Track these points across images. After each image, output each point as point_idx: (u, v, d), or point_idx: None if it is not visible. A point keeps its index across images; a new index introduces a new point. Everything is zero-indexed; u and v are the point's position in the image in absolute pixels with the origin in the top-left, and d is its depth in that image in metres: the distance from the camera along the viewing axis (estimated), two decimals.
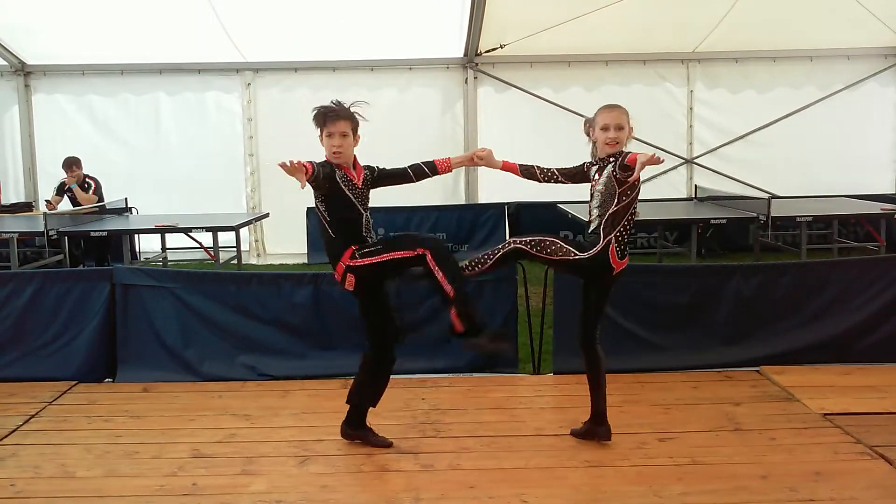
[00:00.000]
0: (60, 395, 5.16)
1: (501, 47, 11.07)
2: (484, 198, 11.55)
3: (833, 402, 4.80)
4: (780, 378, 5.21)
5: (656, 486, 3.73)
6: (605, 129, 4.14)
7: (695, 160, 11.56)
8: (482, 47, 11.10)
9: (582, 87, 11.42)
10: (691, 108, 11.58)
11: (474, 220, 11.15)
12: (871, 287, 5.61)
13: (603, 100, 12.41)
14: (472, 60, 11.24)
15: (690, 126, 11.60)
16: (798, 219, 8.71)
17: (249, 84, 11.36)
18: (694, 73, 11.55)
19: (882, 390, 4.99)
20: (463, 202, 11.59)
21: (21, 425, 4.65)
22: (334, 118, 4.05)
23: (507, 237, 11.03)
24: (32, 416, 4.79)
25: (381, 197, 11.58)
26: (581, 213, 9.04)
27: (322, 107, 4.10)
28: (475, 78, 11.37)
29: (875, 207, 9.20)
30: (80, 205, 9.55)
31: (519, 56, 11.20)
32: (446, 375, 5.52)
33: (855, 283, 5.63)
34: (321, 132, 4.11)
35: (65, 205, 9.72)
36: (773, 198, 9.25)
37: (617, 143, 4.13)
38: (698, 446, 4.08)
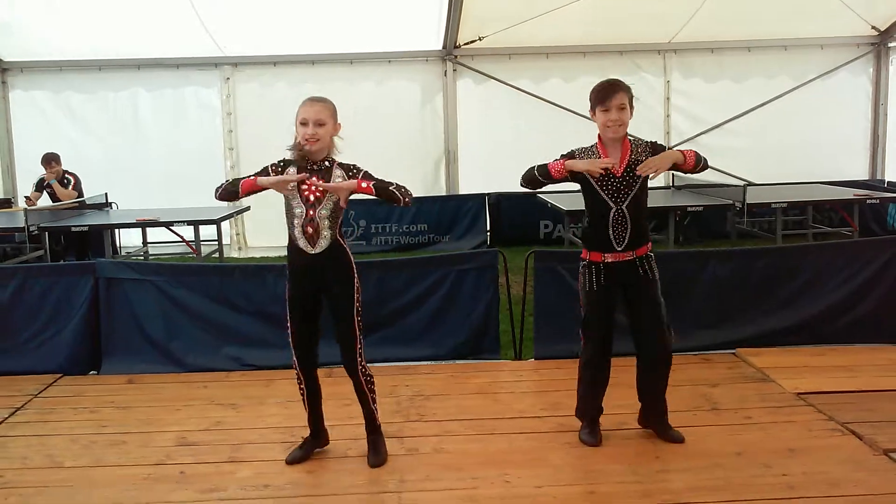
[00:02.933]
0: (46, 388, 5.19)
1: (480, 39, 11.14)
2: (465, 188, 11.62)
3: (806, 381, 4.92)
4: (755, 360, 5.33)
5: (635, 465, 3.83)
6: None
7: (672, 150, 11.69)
8: (461, 40, 11.16)
9: (560, 79, 11.51)
10: (668, 98, 11.70)
11: (455, 210, 11.22)
12: (842, 271, 5.75)
13: (581, 91, 12.60)
14: (451, 53, 11.30)
15: (667, 115, 11.72)
16: (773, 205, 8.87)
17: (228, 78, 11.35)
18: (670, 64, 11.67)
19: (853, 370, 5.12)
20: (443, 193, 11.65)
21: (7, 417, 4.68)
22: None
23: (488, 227, 11.18)
24: (18, 409, 4.82)
25: None
26: (559, 203, 9.16)
27: None
28: (454, 70, 11.42)
29: (848, 193, 9.38)
30: (60, 201, 9.53)
31: (498, 48, 11.27)
32: (429, 363, 5.59)
33: (827, 267, 5.76)
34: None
35: (44, 201, 9.69)
36: (748, 185, 9.42)
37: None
38: (676, 426, 4.17)
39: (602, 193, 3.90)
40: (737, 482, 3.63)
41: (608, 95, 3.86)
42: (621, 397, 4.72)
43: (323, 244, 3.75)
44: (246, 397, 4.97)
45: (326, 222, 3.73)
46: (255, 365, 5.49)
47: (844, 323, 5.71)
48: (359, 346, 3.85)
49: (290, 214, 3.78)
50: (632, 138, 3.98)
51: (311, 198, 3.72)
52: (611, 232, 3.91)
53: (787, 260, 5.79)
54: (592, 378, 4.11)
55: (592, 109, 3.93)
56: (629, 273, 3.97)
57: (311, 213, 3.71)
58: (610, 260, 3.95)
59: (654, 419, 4.16)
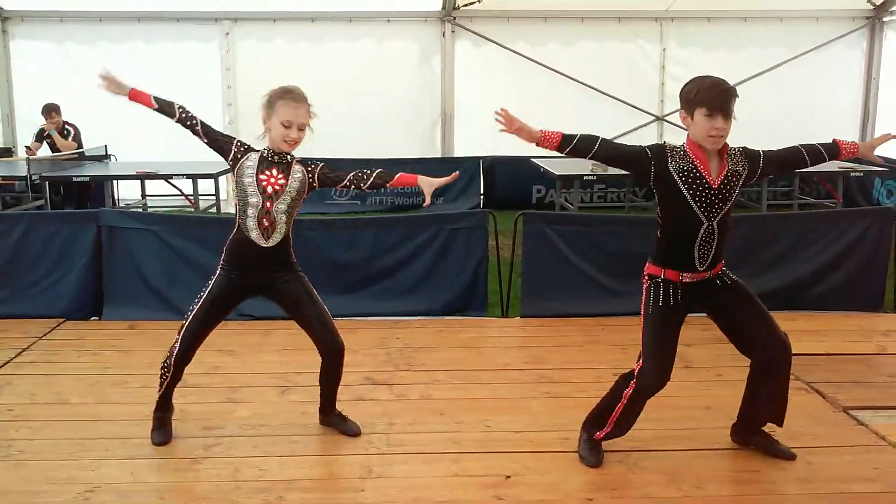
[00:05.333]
0: (50, 331, 5.40)
1: (479, 1, 11.20)
2: (460, 151, 11.76)
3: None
4: None
5: None
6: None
7: (666, 118, 11.83)
8: (460, 1, 11.22)
9: (558, 43, 11.61)
10: (663, 66, 11.81)
11: (449, 172, 11.29)
12: (819, 240, 5.97)
13: (579, 56, 12.84)
14: (450, 14, 11.37)
15: (662, 84, 11.84)
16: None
17: (228, 33, 11.41)
18: (667, 32, 11.76)
19: (823, 335, 5.37)
20: (439, 156, 11.79)
21: (14, 357, 4.89)
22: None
23: (482, 191, 11.34)
24: (24, 350, 5.03)
25: (358, 149, 11.82)
26: (553, 167, 9.33)
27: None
28: (452, 32, 11.50)
29: (833, 166, 9.55)
30: (60, 151, 9.65)
31: (496, 11, 11.35)
32: (420, 318, 5.81)
33: (805, 236, 5.98)
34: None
35: (44, 151, 9.80)
36: None
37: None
38: None
39: (695, 206, 3.26)
40: (703, 433, 3.87)
41: (720, 101, 3.15)
42: (601, 353, 4.98)
43: (277, 238, 3.57)
44: (244, 345, 5.19)
45: (283, 216, 3.56)
46: (253, 315, 5.70)
47: (819, 290, 5.95)
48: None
49: (242, 204, 3.57)
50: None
51: (270, 189, 3.54)
52: (696, 251, 3.31)
53: (766, 228, 6.00)
54: (640, 408, 3.48)
55: (689, 109, 3.22)
56: (706, 289, 3.44)
57: (269, 205, 3.53)
58: (688, 280, 3.39)
59: (762, 434, 3.68)
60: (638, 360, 3.44)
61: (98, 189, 9.59)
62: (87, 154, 10.00)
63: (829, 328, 5.51)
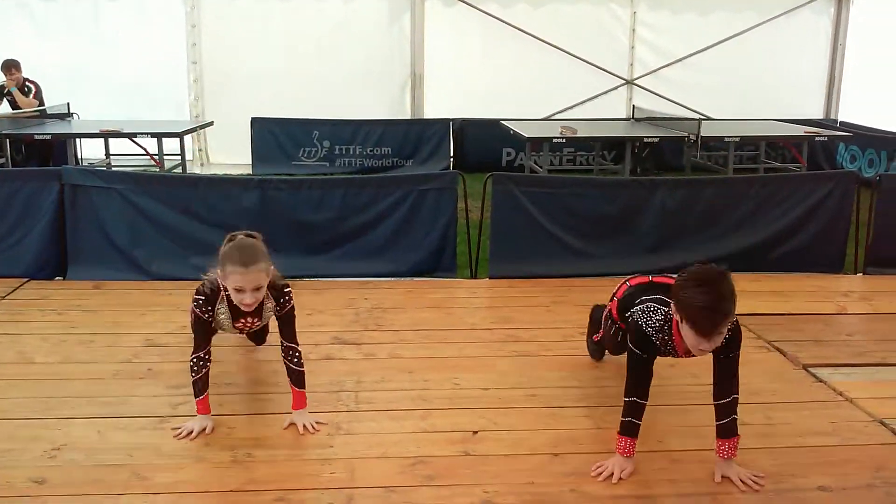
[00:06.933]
0: (13, 291, 5.32)
1: None
2: (429, 113, 11.71)
3: (742, 304, 5.05)
4: None
5: (576, 373, 4.13)
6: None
7: (635, 81, 11.86)
8: None
9: (528, 4, 11.57)
10: (634, 30, 11.82)
11: (419, 135, 11.32)
12: (783, 203, 6.05)
13: (549, 18, 12.76)
14: None
15: (632, 47, 11.87)
16: (726, 139, 9.14)
17: None
18: None
19: (786, 295, 5.48)
20: (409, 117, 11.73)
21: None
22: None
23: (451, 153, 11.32)
24: None
25: (326, 110, 11.71)
26: (522, 130, 9.33)
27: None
28: None
29: (798, 130, 9.68)
30: (20, 109, 9.43)
31: None
32: (388, 279, 5.82)
33: (769, 199, 6.05)
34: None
35: (3, 109, 9.59)
36: (704, 119, 9.65)
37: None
38: None
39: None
40: (668, 389, 3.94)
41: (710, 328, 2.86)
42: (567, 314, 5.04)
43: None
44: None
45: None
46: None
47: (783, 252, 6.05)
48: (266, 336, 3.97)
49: (219, 327, 3.54)
50: None
51: (246, 330, 3.67)
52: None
53: (731, 190, 6.07)
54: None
55: (678, 310, 2.92)
56: None
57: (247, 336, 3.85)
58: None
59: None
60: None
61: (60, 147, 9.42)
62: (48, 112, 9.79)
63: (790, 289, 5.62)
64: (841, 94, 12.35)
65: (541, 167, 9.45)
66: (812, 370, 4.23)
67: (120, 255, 5.72)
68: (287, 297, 3.48)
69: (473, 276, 5.93)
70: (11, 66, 9.35)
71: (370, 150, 11.26)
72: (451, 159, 11.38)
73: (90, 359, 4.26)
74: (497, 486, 3.08)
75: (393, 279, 5.82)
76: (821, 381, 4.10)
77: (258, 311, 3.49)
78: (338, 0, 11.31)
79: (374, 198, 5.92)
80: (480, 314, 5.11)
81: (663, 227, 5.95)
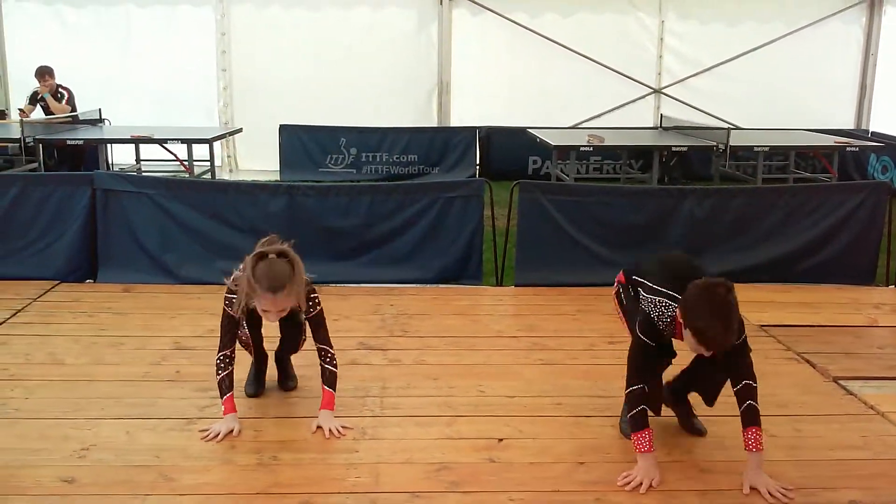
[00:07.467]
0: (45, 293, 5.39)
1: None
2: (456, 121, 11.74)
3: (770, 315, 5.20)
4: None
5: (601, 383, 4.09)
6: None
7: (663, 90, 11.81)
8: None
9: (556, 14, 11.55)
10: (662, 39, 11.77)
11: (445, 142, 11.34)
12: (813, 213, 5.99)
13: (577, 27, 12.72)
14: None
15: (660, 56, 11.82)
16: (756, 149, 9.06)
17: None
18: (666, 4, 11.71)
19: (815, 307, 5.41)
20: (435, 125, 11.76)
21: (9, 318, 4.88)
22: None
23: (478, 161, 11.33)
24: (19, 311, 5.02)
25: (353, 117, 11.77)
26: (549, 138, 9.32)
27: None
28: (450, 0, 11.41)
29: (829, 140, 9.57)
30: (53, 114, 9.58)
31: None
32: (414, 285, 5.83)
33: (799, 209, 6.00)
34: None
35: (37, 114, 9.75)
36: (733, 129, 9.58)
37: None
38: None
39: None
40: (693, 401, 3.90)
41: (714, 349, 3.03)
42: (594, 322, 5.03)
43: None
44: None
45: None
46: None
47: (812, 263, 5.98)
48: (301, 344, 3.85)
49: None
50: None
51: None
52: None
53: (760, 200, 6.01)
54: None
55: (686, 322, 2.99)
56: None
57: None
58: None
59: (684, 408, 3.63)
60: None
61: (92, 153, 9.54)
62: (80, 117, 9.94)
63: (821, 300, 5.55)
64: (872, 103, 12.19)
65: (567, 175, 9.43)
66: (842, 383, 4.17)
67: (149, 258, 5.78)
68: (313, 302, 3.51)
69: (499, 283, 5.93)
70: (45, 73, 9.51)
71: (397, 158, 11.29)
72: (478, 167, 11.39)
73: (120, 361, 4.30)
74: (522, 493, 3.06)
75: (419, 286, 5.83)
76: (851, 393, 4.04)
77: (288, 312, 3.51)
78: (366, 8, 11.38)
79: (400, 204, 5.94)
80: (506, 322, 5.11)
81: (691, 237, 5.90)
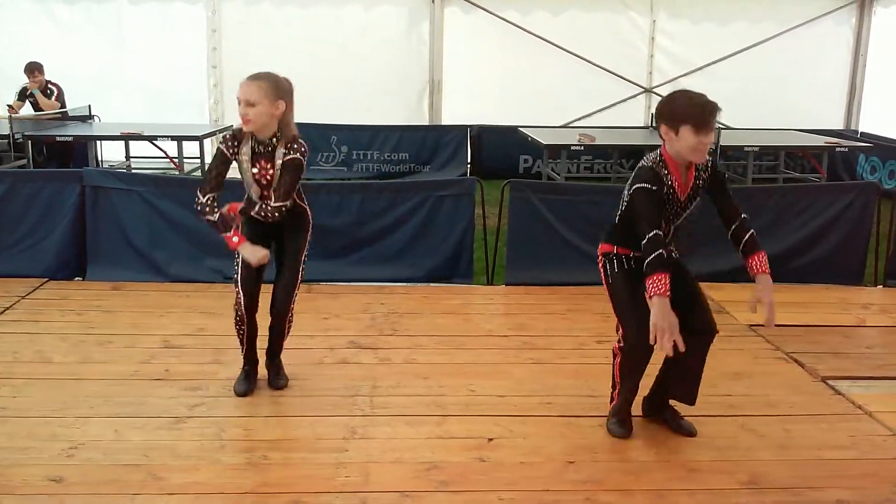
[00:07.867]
0: (33, 291, 5.37)
1: None
2: (447, 119, 11.71)
3: (759, 315, 5.12)
4: (713, 293, 5.58)
5: (591, 382, 4.10)
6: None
7: (653, 89, 11.81)
8: None
9: (547, 12, 11.52)
10: (653, 38, 11.77)
11: (437, 141, 11.30)
12: (802, 214, 6.02)
13: (568, 26, 12.65)
14: None
15: (651, 55, 11.81)
16: (746, 148, 9.09)
17: None
18: (657, 3, 11.69)
19: (805, 306, 5.44)
20: (426, 123, 11.73)
21: None
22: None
23: (469, 160, 11.32)
24: (7, 308, 5.00)
25: (344, 115, 11.71)
26: (540, 137, 9.32)
27: None
28: None
29: (818, 141, 9.61)
30: (42, 111, 9.52)
31: None
32: (405, 284, 5.82)
33: (789, 209, 6.02)
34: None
35: (26, 110, 9.66)
36: (723, 128, 9.60)
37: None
38: None
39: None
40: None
41: (708, 118, 3.19)
42: (583, 321, 5.04)
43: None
44: (228, 307, 5.05)
45: None
46: None
47: (801, 263, 6.00)
48: (296, 292, 3.83)
49: (246, 186, 3.69)
50: None
51: (264, 181, 3.62)
52: None
53: (750, 200, 5.99)
54: (637, 373, 3.51)
55: (673, 125, 3.19)
56: None
57: (267, 193, 3.62)
58: (637, 255, 3.36)
59: (668, 413, 3.66)
60: (617, 331, 3.47)
61: (81, 150, 9.48)
62: (70, 114, 9.88)
63: (810, 300, 5.58)
64: (862, 104, 12.24)
65: (558, 174, 9.43)
66: (831, 382, 4.19)
67: (139, 256, 5.76)
68: (296, 147, 3.58)
69: (490, 282, 5.93)
70: (34, 69, 9.43)
71: (388, 156, 11.26)
72: (469, 165, 11.37)
73: (108, 359, 4.29)
74: (512, 493, 3.07)
75: (409, 284, 5.83)
76: (839, 393, 4.06)
77: (270, 156, 3.58)
78: (357, 6, 11.34)
79: (391, 203, 5.93)
80: (496, 321, 5.11)
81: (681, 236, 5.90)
